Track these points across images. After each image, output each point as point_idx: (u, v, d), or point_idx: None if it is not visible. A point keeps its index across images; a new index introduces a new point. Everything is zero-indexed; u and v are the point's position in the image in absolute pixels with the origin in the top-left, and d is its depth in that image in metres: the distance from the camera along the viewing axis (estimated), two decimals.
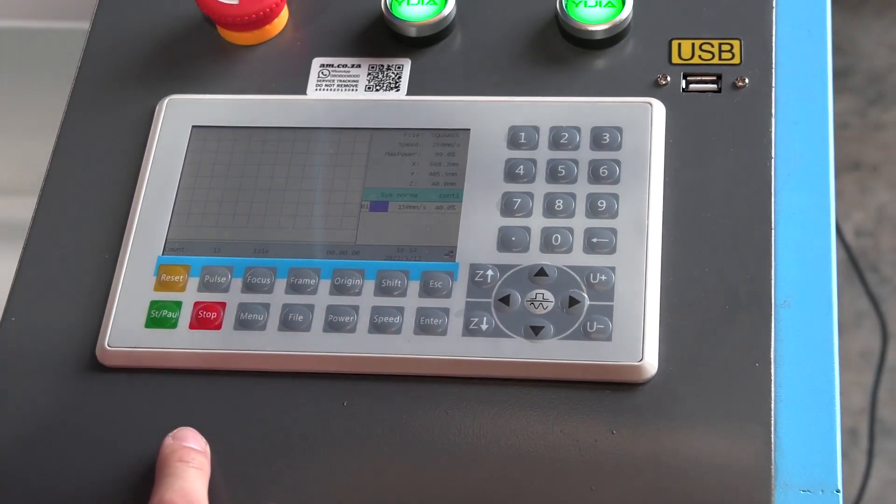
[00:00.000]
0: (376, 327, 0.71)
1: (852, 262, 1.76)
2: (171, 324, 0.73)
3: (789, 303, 0.72)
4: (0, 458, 0.72)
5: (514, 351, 0.70)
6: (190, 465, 0.67)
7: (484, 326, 0.71)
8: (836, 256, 0.75)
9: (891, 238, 1.88)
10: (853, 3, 2.07)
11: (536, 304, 0.71)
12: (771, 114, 0.76)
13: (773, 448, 0.66)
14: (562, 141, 0.76)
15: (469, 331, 0.71)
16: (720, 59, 0.78)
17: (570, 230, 0.73)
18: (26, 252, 0.78)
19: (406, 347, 0.70)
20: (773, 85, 0.77)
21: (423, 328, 0.71)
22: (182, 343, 0.73)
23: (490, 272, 0.72)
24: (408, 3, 0.81)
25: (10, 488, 0.71)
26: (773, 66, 0.78)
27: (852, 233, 1.87)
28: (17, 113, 1.15)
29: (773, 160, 0.74)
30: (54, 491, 0.70)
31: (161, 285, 0.74)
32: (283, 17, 0.83)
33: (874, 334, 1.77)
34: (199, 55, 0.83)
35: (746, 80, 0.77)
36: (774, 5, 0.80)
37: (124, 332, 0.73)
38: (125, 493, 0.69)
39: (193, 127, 0.79)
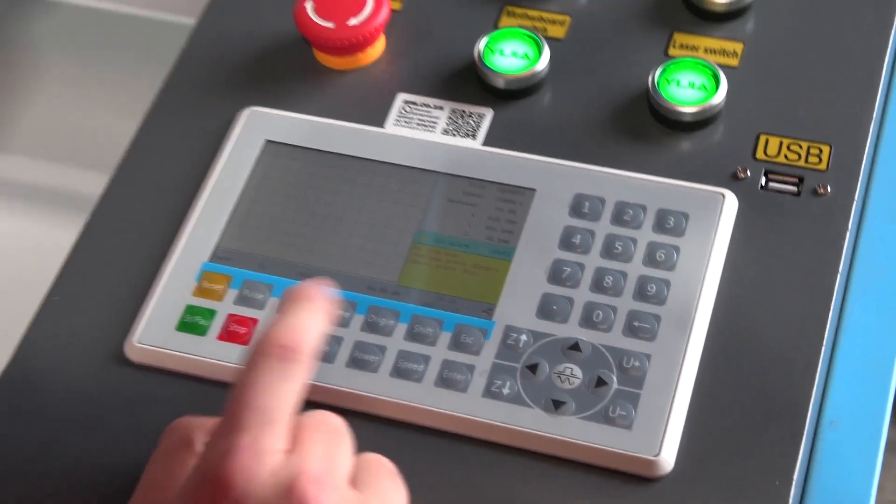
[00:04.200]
0: (398, 372, 0.69)
1: None
2: (202, 331, 0.72)
3: (836, 424, 0.68)
4: (23, 435, 0.71)
5: (530, 422, 0.67)
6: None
7: (506, 391, 0.68)
8: None
9: None
10: None
11: (563, 377, 0.68)
12: (847, 227, 0.72)
13: None
14: (625, 217, 0.73)
15: (490, 392, 0.68)
16: (806, 161, 0.74)
17: (614, 309, 0.70)
18: (83, 235, 0.78)
19: (424, 397, 0.68)
20: (856, 198, 0.73)
21: (444, 381, 0.69)
22: (207, 352, 0.71)
23: (524, 337, 0.70)
24: (501, 54, 0.79)
25: (27, 465, 0.70)
26: (860, 178, 0.74)
27: None
28: (108, 89, 1.16)
29: (838, 275, 0.70)
30: (64, 473, 0.69)
31: (200, 291, 0.73)
32: (379, 47, 0.82)
33: None
34: (290, 73, 0.82)
35: (829, 188, 0.73)
36: (875, 114, 0.76)
37: (155, 331, 0.72)
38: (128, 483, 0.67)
39: (267, 141, 0.79)
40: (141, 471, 0.66)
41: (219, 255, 0.75)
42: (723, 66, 0.77)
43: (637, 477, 0.65)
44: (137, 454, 0.67)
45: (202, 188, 0.77)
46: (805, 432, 0.66)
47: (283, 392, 0.59)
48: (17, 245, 0.76)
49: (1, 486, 0.70)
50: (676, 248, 0.72)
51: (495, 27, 0.82)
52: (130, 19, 1.12)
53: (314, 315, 0.62)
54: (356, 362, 0.70)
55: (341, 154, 0.78)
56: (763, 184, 0.74)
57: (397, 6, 0.84)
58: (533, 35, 0.80)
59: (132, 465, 0.67)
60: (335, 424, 0.60)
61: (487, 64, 0.79)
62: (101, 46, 1.21)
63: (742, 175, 0.74)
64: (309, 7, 0.80)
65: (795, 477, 0.65)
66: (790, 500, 0.64)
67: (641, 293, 0.70)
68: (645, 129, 0.77)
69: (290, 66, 0.82)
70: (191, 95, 0.82)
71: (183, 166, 0.79)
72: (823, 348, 0.69)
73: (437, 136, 0.78)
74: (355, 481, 0.59)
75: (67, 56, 1.21)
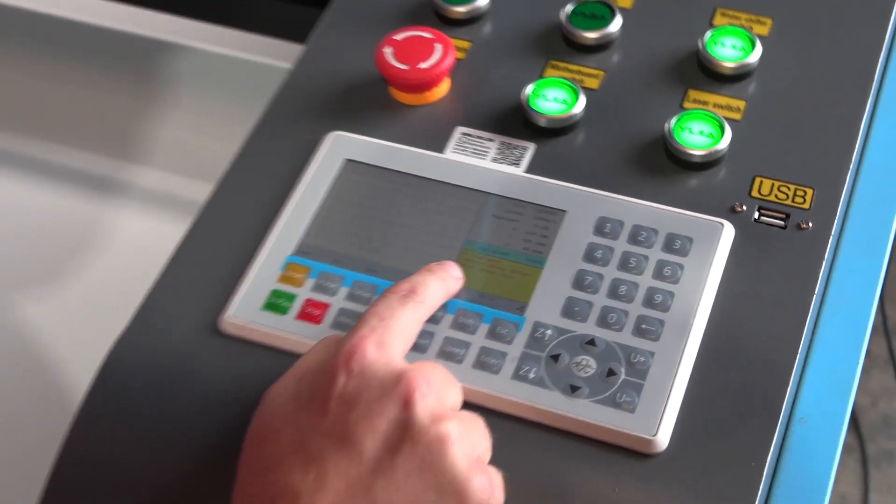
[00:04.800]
0: (444, 354, 0.69)
1: None
2: (283, 311, 0.72)
3: (805, 420, 0.68)
4: (130, 398, 0.72)
5: (551, 402, 0.67)
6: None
7: (531, 375, 0.68)
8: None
9: None
10: None
11: (580, 367, 0.68)
12: (824, 257, 0.72)
13: None
14: (639, 238, 0.73)
15: (518, 376, 0.68)
16: (793, 201, 0.74)
17: (626, 313, 0.70)
18: (191, 230, 0.78)
19: (463, 377, 0.68)
20: (832, 233, 0.73)
21: (480, 364, 0.69)
22: (287, 329, 0.72)
23: (549, 332, 0.70)
24: (544, 99, 0.79)
25: (133, 426, 0.71)
26: (837, 217, 0.74)
27: None
28: (210, 118, 1.18)
29: (814, 296, 0.70)
30: (165, 433, 0.70)
31: (284, 279, 0.74)
32: (444, 87, 0.82)
33: None
34: (369, 105, 0.83)
35: (810, 224, 0.73)
36: (852, 166, 0.76)
37: (245, 309, 0.73)
38: (217, 441, 0.69)
39: (346, 160, 0.79)
40: (231, 417, 0.67)
41: (301, 250, 0.75)
42: (728, 119, 0.78)
43: (637, 453, 0.66)
44: (226, 407, 0.69)
45: (291, 195, 0.78)
46: (778, 425, 0.66)
47: (402, 314, 0.65)
48: (149, 241, 0.77)
49: (125, 431, 0.71)
50: (681, 266, 0.72)
51: (541, 76, 0.82)
52: (241, 62, 1.14)
53: (435, 280, 0.69)
54: None
55: (407, 173, 0.78)
56: (756, 217, 0.74)
57: (461, 55, 0.85)
58: (572, 85, 0.80)
59: (224, 414, 0.69)
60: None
61: (532, 106, 0.79)
62: (219, 83, 1.22)
63: (739, 209, 0.74)
64: (388, 52, 0.81)
65: (768, 461, 0.65)
66: (763, 479, 0.64)
67: (649, 301, 0.70)
68: (660, 166, 0.77)
69: (369, 100, 0.83)
70: (286, 121, 0.83)
71: (276, 177, 0.79)
72: (798, 356, 0.68)
73: (487, 163, 0.78)
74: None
75: (195, 90, 1.23)
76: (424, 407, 0.59)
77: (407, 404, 0.59)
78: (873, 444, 1.71)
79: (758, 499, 0.64)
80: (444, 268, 0.71)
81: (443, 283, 0.70)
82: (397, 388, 0.60)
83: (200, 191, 0.80)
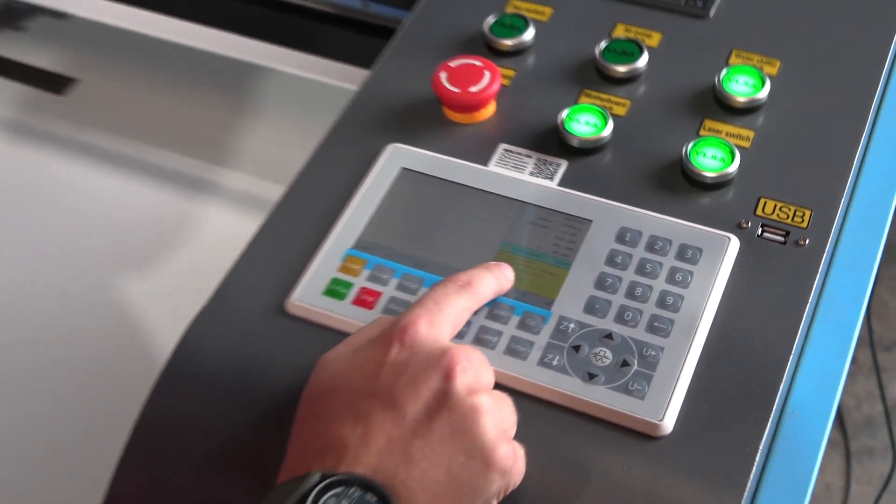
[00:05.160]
0: (478, 341, 0.68)
1: None
2: (340, 297, 0.71)
3: (795, 414, 0.66)
4: (204, 363, 0.71)
5: (571, 387, 0.65)
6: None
7: (555, 363, 0.66)
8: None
9: None
10: None
11: (598, 357, 0.66)
12: (818, 271, 0.70)
13: None
14: (656, 246, 0.71)
15: (543, 363, 0.67)
16: (792, 220, 0.72)
17: (640, 312, 0.68)
18: (265, 223, 0.77)
19: (495, 361, 0.66)
20: (826, 250, 0.71)
21: (510, 351, 0.67)
22: (343, 312, 0.71)
23: (572, 325, 0.68)
24: (577, 122, 0.77)
25: (206, 386, 0.70)
26: (831, 236, 0.71)
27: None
28: (289, 130, 1.18)
29: (808, 305, 0.68)
30: (233, 394, 0.69)
31: (343, 269, 0.73)
32: (490, 109, 0.81)
33: None
34: (425, 122, 0.81)
35: (807, 241, 0.71)
36: (847, 190, 0.74)
37: (308, 293, 0.72)
38: (277, 403, 0.68)
39: (402, 168, 0.78)
40: (290, 383, 0.67)
41: (359, 245, 0.74)
42: (738, 146, 0.76)
43: (644, 435, 0.64)
44: (286, 374, 0.68)
45: (353, 197, 0.76)
46: (771, 417, 0.64)
47: (454, 301, 0.66)
48: (231, 233, 0.77)
49: (199, 391, 0.70)
50: (691, 273, 0.70)
51: (575, 103, 0.80)
52: (317, 84, 1.14)
53: (491, 277, 0.69)
54: None
55: (455, 182, 0.76)
56: (759, 233, 0.72)
57: (506, 82, 0.83)
58: (602, 111, 0.78)
59: (284, 381, 0.68)
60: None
61: (567, 128, 0.77)
62: (297, 100, 1.22)
63: (744, 225, 0.72)
64: (443, 77, 0.80)
65: (761, 448, 0.63)
66: (755, 464, 0.62)
67: (662, 302, 0.68)
68: (676, 185, 0.75)
69: (425, 118, 0.81)
70: (351, 134, 0.82)
71: (340, 181, 0.78)
72: (791, 357, 0.66)
73: (525, 176, 0.77)
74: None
75: (277, 105, 1.23)
76: (463, 381, 0.59)
77: (448, 376, 0.59)
78: (856, 441, 1.70)
79: (750, 480, 0.62)
80: (501, 268, 0.70)
81: (496, 280, 0.69)
82: (441, 362, 0.59)
83: (278, 192, 0.79)
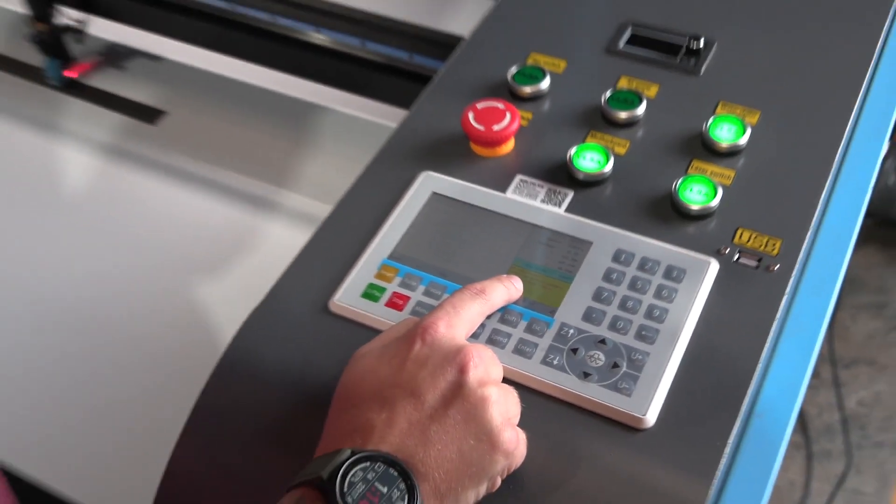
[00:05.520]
0: (491, 341, 0.68)
1: None
2: (375, 299, 0.71)
3: (762, 416, 0.65)
4: (257, 354, 0.70)
5: (568, 384, 0.65)
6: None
7: (555, 362, 0.66)
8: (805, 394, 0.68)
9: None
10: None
11: (592, 359, 0.66)
12: (785, 292, 0.69)
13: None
14: (646, 266, 0.71)
15: (545, 362, 0.66)
16: (765, 248, 0.71)
17: (631, 322, 0.67)
18: (314, 236, 0.77)
19: (504, 359, 0.66)
20: (793, 275, 0.70)
21: (518, 351, 0.67)
22: (377, 313, 0.71)
23: (572, 331, 0.67)
24: (583, 158, 0.77)
25: (257, 374, 0.70)
26: (798, 263, 0.70)
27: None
28: (341, 158, 1.18)
29: (775, 321, 0.67)
30: (280, 382, 0.69)
31: (379, 276, 0.73)
32: (510, 145, 0.81)
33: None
34: (454, 155, 0.81)
35: (776, 268, 0.70)
36: (813, 223, 0.73)
37: (348, 295, 0.72)
38: (319, 390, 0.67)
39: (433, 193, 0.78)
40: (330, 374, 0.66)
41: (394, 256, 0.74)
42: (720, 184, 0.75)
43: (630, 427, 0.63)
44: (327, 365, 0.68)
45: (389, 215, 0.76)
46: (740, 416, 0.63)
47: (469, 306, 0.65)
48: (289, 246, 0.77)
49: (251, 379, 0.70)
50: (676, 290, 0.69)
51: (582, 142, 0.80)
52: (365, 121, 1.14)
53: (502, 287, 0.68)
54: None
55: (477, 206, 0.76)
56: (736, 258, 0.71)
57: (525, 123, 0.83)
58: (605, 150, 0.78)
59: (325, 370, 0.68)
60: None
61: (574, 163, 0.77)
62: (348, 134, 1.23)
63: (723, 251, 0.71)
64: (470, 116, 0.80)
65: (730, 442, 0.62)
66: (724, 456, 0.61)
67: (649, 314, 0.68)
68: (666, 215, 0.74)
69: (454, 151, 0.81)
70: (390, 163, 0.82)
71: (379, 202, 0.78)
72: (759, 366, 0.66)
73: (537, 203, 0.76)
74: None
75: (332, 138, 1.24)
76: (475, 374, 0.59)
77: (462, 370, 0.59)
78: (817, 445, 1.68)
79: (719, 469, 0.61)
80: (511, 280, 0.69)
81: (507, 290, 0.69)
82: (457, 358, 0.59)
83: (328, 211, 0.79)
